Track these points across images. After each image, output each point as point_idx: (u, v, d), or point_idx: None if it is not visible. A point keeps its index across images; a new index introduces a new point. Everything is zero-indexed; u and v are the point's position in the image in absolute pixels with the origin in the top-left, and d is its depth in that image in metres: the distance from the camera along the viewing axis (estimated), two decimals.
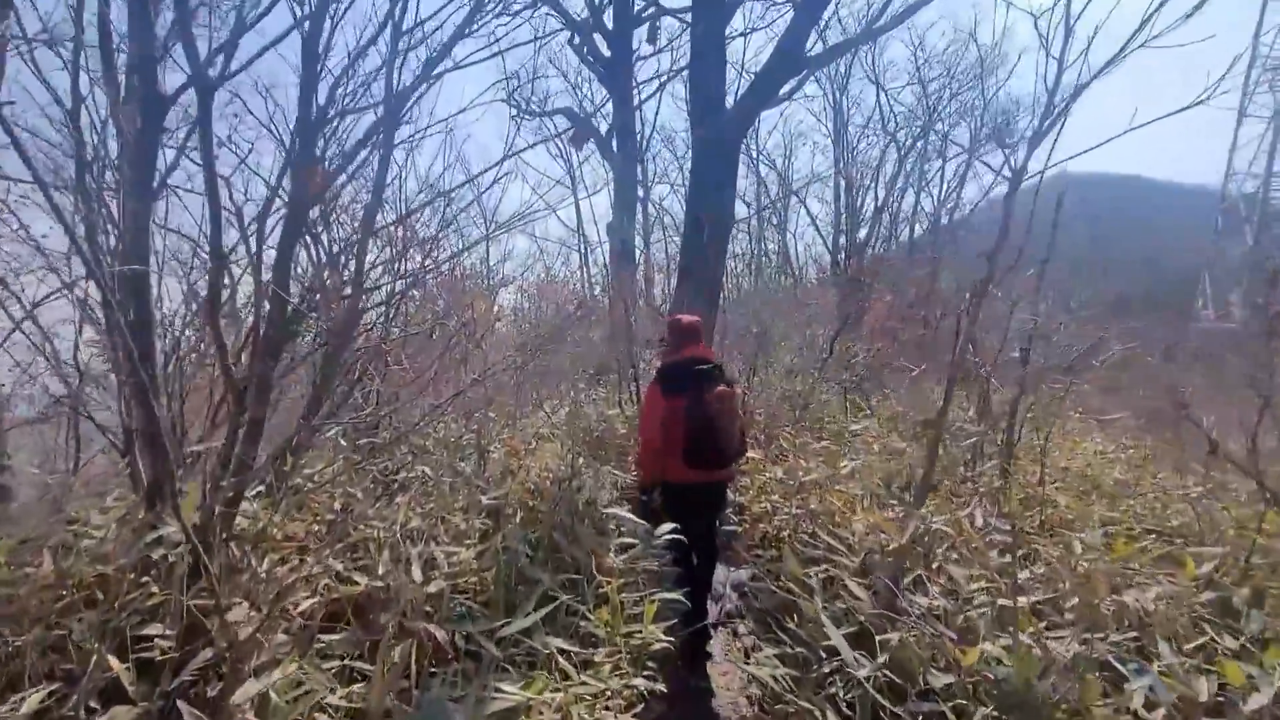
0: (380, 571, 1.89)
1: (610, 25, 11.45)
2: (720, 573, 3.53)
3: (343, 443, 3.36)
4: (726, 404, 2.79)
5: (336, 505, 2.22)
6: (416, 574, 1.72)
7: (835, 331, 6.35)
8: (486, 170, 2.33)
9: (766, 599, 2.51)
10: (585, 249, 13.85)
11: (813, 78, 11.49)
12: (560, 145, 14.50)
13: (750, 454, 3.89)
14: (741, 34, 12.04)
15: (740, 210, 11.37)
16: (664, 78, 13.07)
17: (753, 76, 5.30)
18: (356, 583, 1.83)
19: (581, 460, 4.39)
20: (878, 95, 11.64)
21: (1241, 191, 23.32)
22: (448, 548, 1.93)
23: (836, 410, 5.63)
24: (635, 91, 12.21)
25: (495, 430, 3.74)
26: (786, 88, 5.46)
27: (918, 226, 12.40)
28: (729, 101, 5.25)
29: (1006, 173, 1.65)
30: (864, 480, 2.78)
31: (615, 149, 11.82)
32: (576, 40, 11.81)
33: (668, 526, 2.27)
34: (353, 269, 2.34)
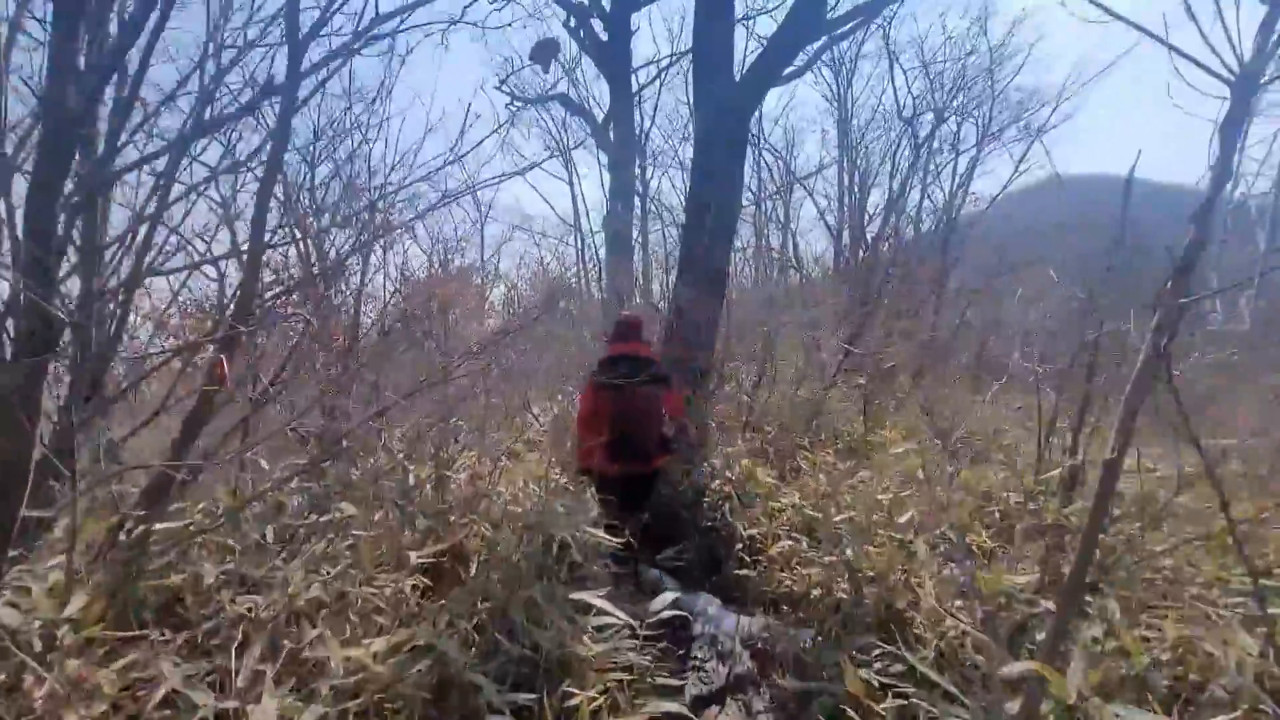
0: (240, 684, 1.27)
1: (608, 7, 10.88)
2: (728, 622, 2.94)
3: (264, 464, 2.74)
4: (649, 403, 2.93)
5: (207, 568, 1.59)
6: (269, 704, 1.10)
7: (852, 332, 5.74)
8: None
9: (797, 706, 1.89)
10: (581, 243, 13.20)
11: (818, 68, 10.89)
12: (555, 135, 13.84)
13: (763, 476, 3.29)
14: (744, 19, 11.45)
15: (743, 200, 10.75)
16: (665, 60, 12.45)
17: (764, 42, 4.68)
18: (195, 705, 1.21)
19: (565, 480, 3.72)
20: (891, 76, 10.99)
21: (1250, 193, 22.87)
22: (347, 651, 1.30)
23: (854, 419, 5.02)
24: (633, 77, 11.61)
25: (458, 447, 3.11)
26: (802, 60, 4.84)
27: (924, 222, 11.76)
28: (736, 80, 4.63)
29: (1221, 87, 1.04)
30: (928, 528, 2.15)
31: (611, 136, 11.21)
32: (573, 23, 11.23)
33: (666, 599, 1.66)
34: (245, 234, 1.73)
